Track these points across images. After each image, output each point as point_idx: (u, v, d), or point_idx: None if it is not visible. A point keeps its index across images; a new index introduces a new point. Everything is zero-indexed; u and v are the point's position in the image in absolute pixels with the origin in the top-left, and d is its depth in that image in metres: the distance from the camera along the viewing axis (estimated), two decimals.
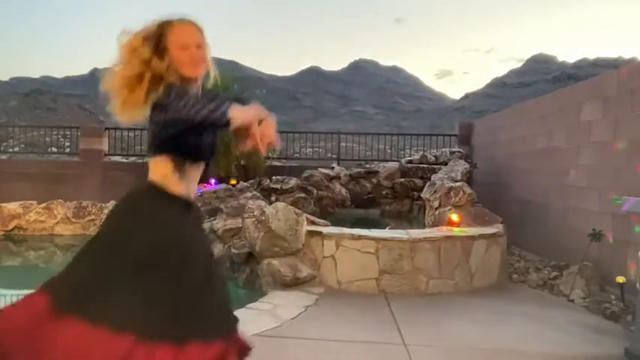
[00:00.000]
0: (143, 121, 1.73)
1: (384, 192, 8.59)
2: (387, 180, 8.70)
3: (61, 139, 12.35)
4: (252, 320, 3.31)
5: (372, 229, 4.64)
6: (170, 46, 1.69)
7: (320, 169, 8.31)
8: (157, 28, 1.71)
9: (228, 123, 1.47)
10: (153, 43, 1.69)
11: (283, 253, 4.33)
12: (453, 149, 9.11)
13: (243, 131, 1.53)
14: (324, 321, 3.35)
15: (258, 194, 6.92)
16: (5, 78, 47.62)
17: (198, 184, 1.83)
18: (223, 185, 7.88)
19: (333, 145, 11.23)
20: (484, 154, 8.65)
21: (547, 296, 4.45)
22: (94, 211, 8.86)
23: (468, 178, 7.14)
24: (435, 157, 8.88)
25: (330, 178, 8.24)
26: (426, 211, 6.43)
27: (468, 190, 5.65)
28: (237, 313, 3.54)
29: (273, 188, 7.85)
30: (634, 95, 4.31)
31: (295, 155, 11.56)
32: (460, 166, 7.22)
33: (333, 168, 8.73)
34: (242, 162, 9.19)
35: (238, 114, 1.48)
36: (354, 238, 4.32)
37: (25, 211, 8.62)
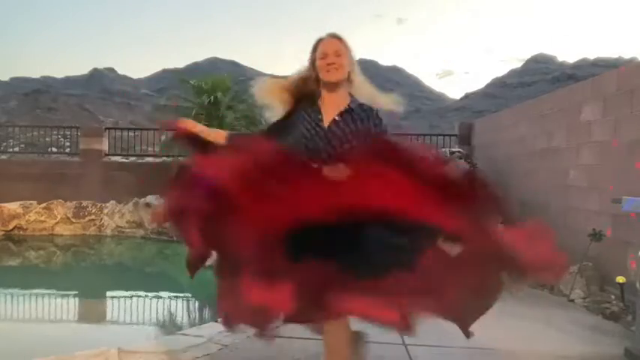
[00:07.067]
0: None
1: None
2: None
3: (61, 139, 12.35)
4: None
5: None
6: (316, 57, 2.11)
7: None
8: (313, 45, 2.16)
9: None
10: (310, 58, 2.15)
11: None
12: (453, 149, 9.09)
13: None
14: None
15: None
16: (5, 78, 47.60)
17: None
18: None
19: None
20: (484, 154, 8.65)
21: (547, 296, 4.45)
22: (94, 211, 8.86)
23: None
24: None
25: None
26: None
27: None
28: None
29: None
30: (634, 95, 4.31)
31: None
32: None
33: None
34: None
35: None
36: None
37: (25, 211, 8.63)
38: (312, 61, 2.14)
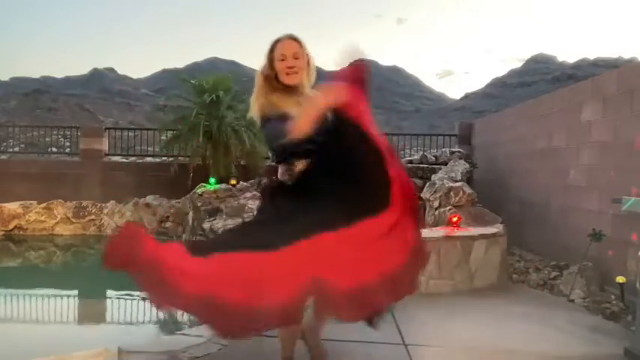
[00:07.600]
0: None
1: None
2: None
3: (61, 139, 12.37)
4: None
5: None
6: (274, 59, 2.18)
7: None
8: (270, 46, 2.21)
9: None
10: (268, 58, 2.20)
11: None
12: (453, 149, 9.11)
13: None
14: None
15: (258, 194, 6.93)
16: (5, 78, 47.61)
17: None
18: (223, 185, 7.88)
19: None
20: (484, 154, 8.65)
21: (547, 296, 4.45)
22: (94, 211, 8.86)
23: (468, 178, 7.14)
24: (435, 157, 8.88)
25: None
26: (426, 211, 6.43)
27: (468, 190, 5.65)
28: None
29: None
30: (634, 95, 4.31)
31: None
32: (460, 166, 7.21)
33: None
34: (242, 162, 9.19)
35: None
36: None
37: (25, 211, 8.63)
38: (270, 61, 2.19)
